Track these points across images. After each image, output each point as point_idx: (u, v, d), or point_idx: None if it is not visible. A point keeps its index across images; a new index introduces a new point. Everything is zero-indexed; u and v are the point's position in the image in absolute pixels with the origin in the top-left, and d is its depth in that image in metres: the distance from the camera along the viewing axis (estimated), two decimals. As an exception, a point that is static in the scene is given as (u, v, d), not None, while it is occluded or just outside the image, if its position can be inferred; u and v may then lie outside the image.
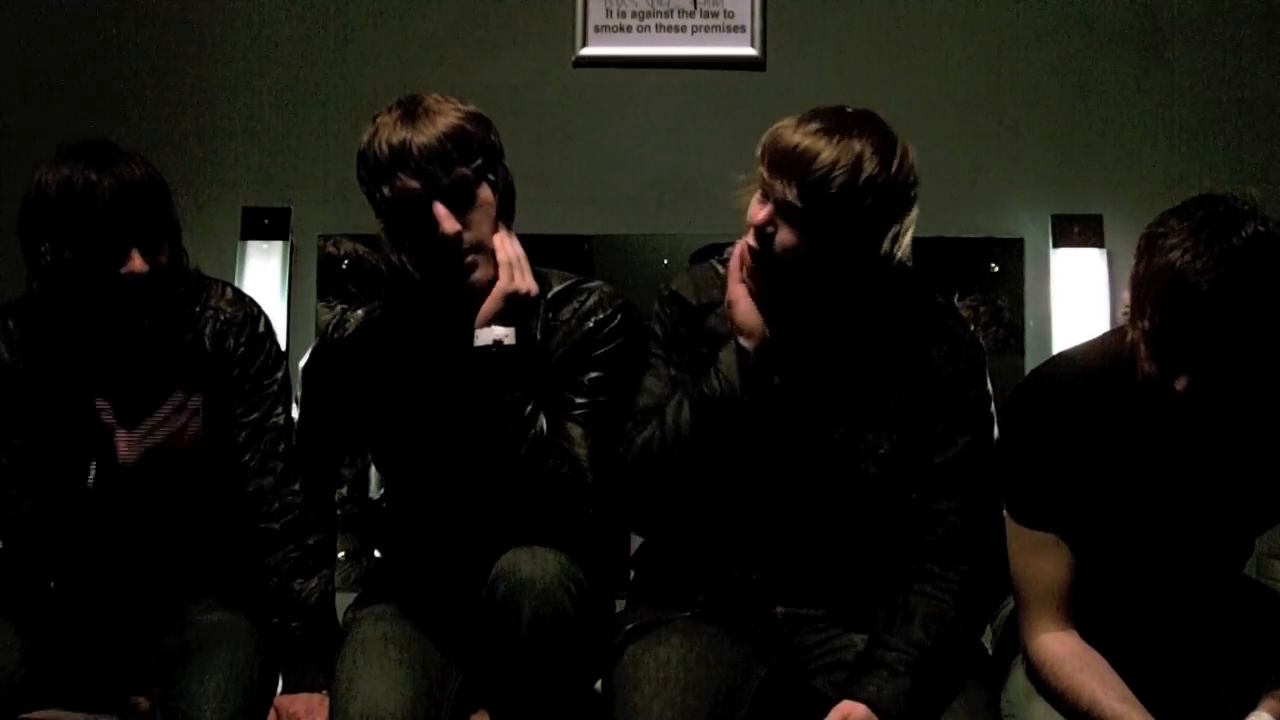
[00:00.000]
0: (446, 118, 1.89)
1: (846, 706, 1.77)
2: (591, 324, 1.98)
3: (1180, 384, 1.65)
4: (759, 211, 1.82)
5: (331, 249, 3.11)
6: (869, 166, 1.76)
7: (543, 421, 1.88)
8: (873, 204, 1.77)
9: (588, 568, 1.83)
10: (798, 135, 1.79)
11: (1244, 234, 1.60)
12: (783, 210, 1.80)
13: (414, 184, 1.87)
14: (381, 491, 2.67)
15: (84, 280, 1.87)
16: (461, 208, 1.89)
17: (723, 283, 1.94)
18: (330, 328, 2.12)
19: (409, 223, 1.89)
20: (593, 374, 1.96)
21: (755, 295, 1.86)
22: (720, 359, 1.86)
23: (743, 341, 1.85)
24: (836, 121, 1.80)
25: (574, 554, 1.82)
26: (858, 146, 1.77)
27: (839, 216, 1.77)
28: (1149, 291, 1.66)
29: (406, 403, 2.00)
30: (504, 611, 1.77)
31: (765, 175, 1.81)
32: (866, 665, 1.82)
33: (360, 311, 2.09)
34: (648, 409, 1.94)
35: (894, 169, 1.78)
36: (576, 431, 1.92)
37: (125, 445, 1.96)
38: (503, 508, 1.89)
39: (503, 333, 1.89)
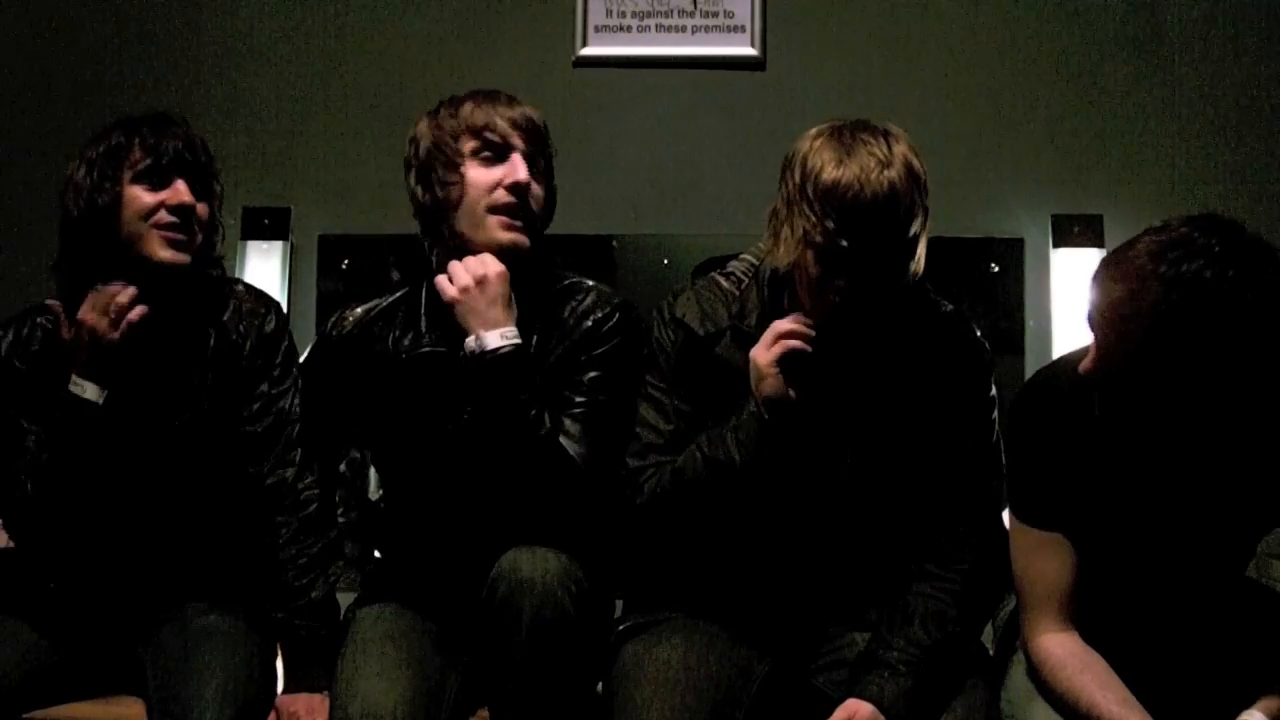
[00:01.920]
0: None
1: (852, 705, 1.77)
2: (590, 323, 1.98)
3: (1087, 366, 1.68)
4: (831, 277, 1.77)
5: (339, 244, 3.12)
6: (916, 164, 1.76)
7: (547, 426, 1.88)
8: (925, 201, 1.78)
9: (588, 568, 1.83)
10: (861, 186, 1.71)
11: (1181, 269, 1.57)
12: (858, 256, 1.75)
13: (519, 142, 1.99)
14: (380, 493, 2.67)
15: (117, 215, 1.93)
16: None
17: (728, 299, 1.93)
18: (329, 325, 2.12)
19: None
20: (591, 373, 1.96)
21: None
22: (743, 427, 1.81)
23: (768, 414, 1.80)
24: (864, 146, 1.74)
25: (574, 554, 1.82)
26: (899, 153, 1.74)
27: (913, 229, 1.76)
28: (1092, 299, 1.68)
29: (408, 401, 2.00)
30: (504, 611, 1.77)
31: (841, 238, 1.73)
32: (868, 664, 1.82)
33: (360, 309, 2.10)
34: (652, 446, 1.92)
35: (920, 159, 1.78)
36: (575, 429, 1.92)
37: (135, 441, 1.96)
38: (500, 506, 1.89)
39: (476, 342, 1.89)
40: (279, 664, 2.01)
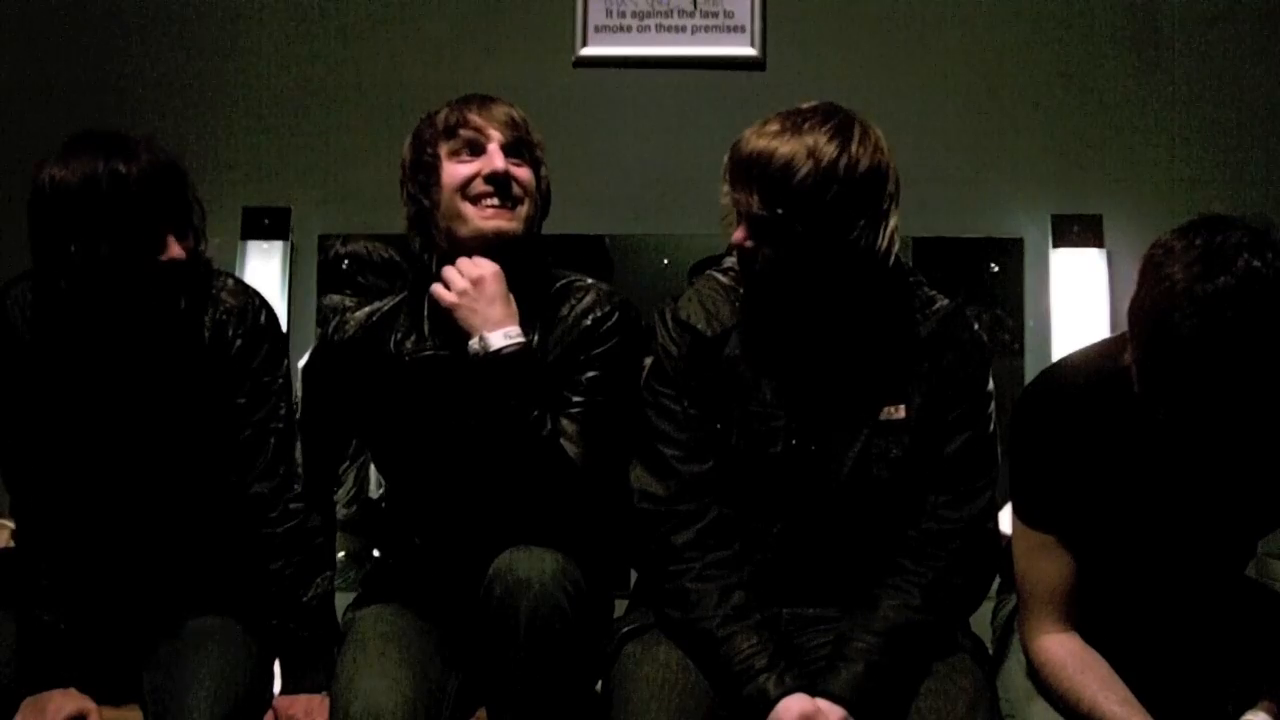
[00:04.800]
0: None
1: (811, 700, 1.75)
2: (589, 322, 1.98)
3: (1162, 413, 1.65)
4: (736, 234, 1.83)
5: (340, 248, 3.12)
6: (827, 152, 1.77)
7: (549, 427, 1.88)
8: (839, 191, 1.77)
9: (586, 568, 1.83)
10: (754, 142, 1.80)
11: (1234, 272, 1.55)
12: (754, 223, 1.80)
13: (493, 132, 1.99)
14: (381, 491, 2.67)
15: (121, 271, 1.84)
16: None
17: (730, 296, 1.93)
18: (331, 328, 2.12)
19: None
20: (590, 373, 1.96)
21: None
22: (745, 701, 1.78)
23: None
24: (789, 119, 1.81)
25: (572, 554, 1.81)
26: (809, 138, 1.78)
27: (807, 212, 1.77)
28: (1137, 324, 1.64)
29: (410, 404, 2.00)
30: (501, 611, 1.77)
31: (731, 192, 1.82)
32: (833, 656, 1.82)
33: (361, 313, 2.09)
34: (675, 459, 1.88)
35: (854, 152, 1.78)
36: (573, 429, 1.92)
37: (125, 443, 1.96)
38: (499, 507, 1.89)
39: (480, 343, 1.89)
40: (275, 665, 2.01)
